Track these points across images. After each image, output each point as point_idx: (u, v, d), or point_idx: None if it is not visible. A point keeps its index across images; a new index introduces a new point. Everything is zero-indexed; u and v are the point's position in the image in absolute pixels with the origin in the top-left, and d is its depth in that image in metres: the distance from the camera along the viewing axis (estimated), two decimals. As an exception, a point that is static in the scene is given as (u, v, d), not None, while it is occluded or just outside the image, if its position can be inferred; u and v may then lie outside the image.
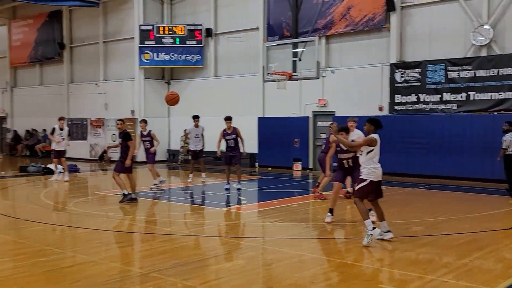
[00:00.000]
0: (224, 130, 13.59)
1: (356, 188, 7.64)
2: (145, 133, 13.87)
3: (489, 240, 7.91)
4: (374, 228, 7.39)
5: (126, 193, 11.22)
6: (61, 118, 16.50)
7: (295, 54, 15.56)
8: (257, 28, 20.76)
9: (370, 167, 7.49)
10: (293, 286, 5.59)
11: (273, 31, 20.08)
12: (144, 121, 14.24)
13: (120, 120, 11.96)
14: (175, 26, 22.50)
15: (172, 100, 12.17)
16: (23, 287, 5.55)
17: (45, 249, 7.24)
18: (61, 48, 26.22)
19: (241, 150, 13.75)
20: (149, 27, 22.39)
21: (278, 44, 16.78)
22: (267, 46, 16.27)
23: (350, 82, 18.55)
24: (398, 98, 17.33)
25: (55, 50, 26.60)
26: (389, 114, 17.51)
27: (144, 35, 22.38)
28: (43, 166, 18.51)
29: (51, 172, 17.80)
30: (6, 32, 29.25)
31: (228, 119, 13.61)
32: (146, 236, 8.39)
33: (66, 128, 16.57)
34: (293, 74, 15.48)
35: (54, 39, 26.60)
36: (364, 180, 7.48)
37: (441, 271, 6.13)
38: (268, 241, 7.97)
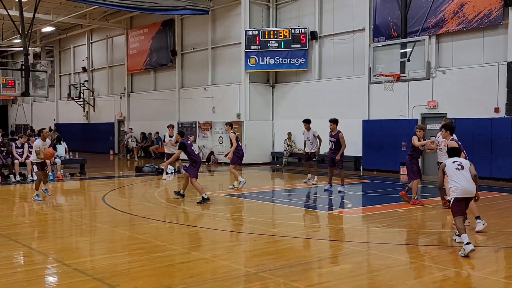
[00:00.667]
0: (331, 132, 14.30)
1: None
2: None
3: None
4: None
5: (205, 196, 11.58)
6: (169, 126, 17.60)
7: (403, 55, 15.06)
8: (363, 29, 20.41)
9: None
10: (404, 294, 5.44)
11: (379, 31, 19.62)
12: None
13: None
14: (280, 30, 22.79)
15: None
16: (140, 280, 5.92)
17: (160, 245, 7.68)
18: (173, 55, 27.63)
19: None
20: (255, 32, 22.88)
21: (385, 45, 16.36)
22: (373, 47, 15.94)
23: (462, 82, 17.60)
24: (517, 98, 16.14)
25: (168, 57, 28.09)
26: (507, 116, 16.36)
27: (250, 40, 22.91)
28: (156, 166, 19.60)
29: (163, 172, 18.85)
30: (124, 41, 31.41)
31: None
32: (253, 237, 8.58)
33: (175, 134, 17.45)
34: (401, 75, 15.01)
35: (167, 47, 28.11)
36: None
37: None
38: (376, 247, 7.80)
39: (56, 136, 23.03)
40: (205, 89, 25.93)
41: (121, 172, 20.37)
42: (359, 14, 20.59)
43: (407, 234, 8.70)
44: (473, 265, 6.50)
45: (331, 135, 14.11)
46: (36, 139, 12.93)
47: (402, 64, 14.99)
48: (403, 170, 18.95)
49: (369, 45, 16.92)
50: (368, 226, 9.68)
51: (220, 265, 6.62)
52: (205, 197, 11.55)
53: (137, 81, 31.35)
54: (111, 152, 32.17)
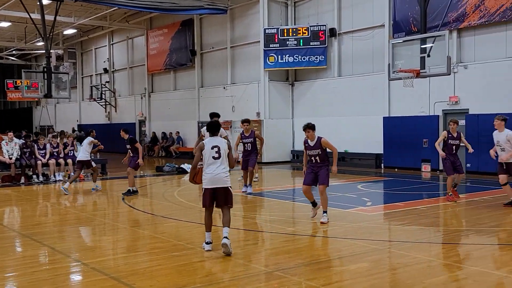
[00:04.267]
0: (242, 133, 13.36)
1: None
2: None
3: None
4: None
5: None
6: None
7: (423, 50, 14.84)
8: (383, 25, 20.19)
9: None
10: (421, 293, 5.35)
11: (399, 27, 19.39)
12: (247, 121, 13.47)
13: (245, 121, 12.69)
14: (299, 28, 22.69)
15: None
16: (156, 280, 5.94)
17: (178, 244, 7.70)
18: (192, 54, 27.75)
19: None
20: (274, 30, 22.83)
21: (404, 41, 16.15)
22: (392, 43, 15.74)
23: (485, 77, 17.29)
24: (541, 93, 15.79)
25: (187, 57, 28.23)
26: (532, 111, 16.00)
27: (269, 38, 22.87)
28: (176, 166, 19.71)
29: (184, 171, 18.98)
30: (144, 41, 31.68)
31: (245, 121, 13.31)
32: (271, 235, 8.55)
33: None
34: (421, 71, 14.80)
35: (186, 46, 28.25)
36: None
37: None
38: (395, 245, 7.70)
39: (77, 135, 23.38)
40: (224, 88, 25.99)
41: (141, 172, 20.53)
42: (378, 10, 20.38)
43: (426, 232, 8.56)
44: (493, 264, 6.37)
45: (245, 137, 13.24)
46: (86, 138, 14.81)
47: (422, 60, 14.78)
48: (425, 167, 18.74)
49: (389, 41, 16.71)
50: (387, 224, 9.57)
51: (236, 263, 6.60)
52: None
53: (158, 81, 31.59)
54: (132, 152, 32.46)
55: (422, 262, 6.59)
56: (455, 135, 11.36)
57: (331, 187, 15.06)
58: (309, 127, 9.37)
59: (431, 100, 18.79)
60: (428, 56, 14.64)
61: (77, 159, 14.72)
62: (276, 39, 22.79)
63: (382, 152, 20.40)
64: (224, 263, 6.66)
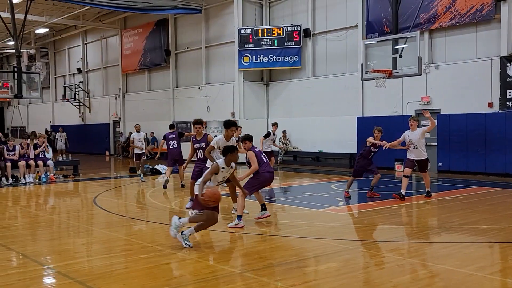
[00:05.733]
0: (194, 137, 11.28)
1: None
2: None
3: None
4: None
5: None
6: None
7: (395, 51, 15.00)
8: (356, 26, 20.35)
9: None
10: (389, 292, 5.36)
11: (372, 28, 19.56)
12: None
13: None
14: (273, 28, 22.71)
15: None
16: (122, 283, 5.84)
17: (147, 246, 7.60)
18: (167, 54, 27.55)
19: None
20: (248, 31, 22.81)
21: (377, 41, 16.29)
22: (365, 43, 15.86)
23: (455, 78, 17.55)
24: (510, 93, 16.10)
25: (162, 57, 28.01)
26: (500, 111, 16.31)
27: (244, 38, 22.83)
28: (150, 167, 19.50)
29: (158, 173, 18.82)
30: (118, 41, 31.32)
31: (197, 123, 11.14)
32: (241, 236, 8.51)
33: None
34: (393, 71, 14.94)
35: (161, 46, 28.03)
36: None
37: (557, 282, 5.57)
38: (365, 244, 7.73)
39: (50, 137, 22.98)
40: (199, 88, 25.87)
41: (115, 173, 20.30)
42: (352, 10, 20.53)
43: (397, 231, 8.63)
44: (460, 261, 6.44)
45: (197, 141, 11.10)
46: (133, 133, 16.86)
47: (394, 60, 14.93)
48: (398, 167, 18.92)
49: (362, 41, 16.83)
50: (359, 223, 9.61)
51: (205, 265, 6.54)
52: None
53: (132, 82, 31.27)
54: (107, 153, 32.09)
55: (392, 261, 6.62)
56: (377, 144, 11.79)
57: (305, 186, 15.16)
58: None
59: (404, 100, 19.00)
60: (400, 56, 14.80)
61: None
62: (250, 39, 22.77)
63: (356, 152, 20.50)
64: (193, 264, 6.60)
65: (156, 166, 19.48)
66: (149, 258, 6.90)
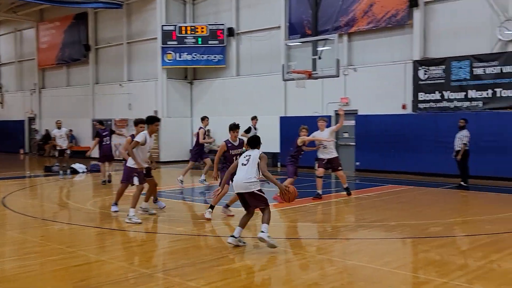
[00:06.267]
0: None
1: None
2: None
3: (510, 241, 7.60)
4: None
5: None
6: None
7: (315, 53, 15.37)
8: (279, 27, 20.62)
9: None
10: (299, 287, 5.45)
11: (294, 29, 19.90)
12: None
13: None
14: (197, 26, 22.54)
15: None
16: (29, 285, 5.55)
17: (57, 248, 7.27)
18: (86, 49, 26.60)
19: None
20: (171, 28, 22.49)
21: (298, 43, 16.62)
22: (287, 44, 16.13)
23: (372, 80, 18.24)
24: (421, 96, 16.96)
25: (81, 52, 27.00)
26: (413, 113, 17.14)
27: (167, 35, 22.49)
28: (65, 165, 18.73)
29: (75, 172, 18.13)
30: (34, 34, 29.84)
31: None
32: (157, 236, 8.36)
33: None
34: (313, 72, 15.29)
35: (80, 41, 27.01)
36: None
37: (455, 273, 5.91)
38: (279, 242, 7.82)
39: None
40: (120, 85, 25.21)
41: (28, 172, 19.33)
42: (275, 11, 20.78)
43: (312, 229, 8.82)
44: (369, 257, 6.67)
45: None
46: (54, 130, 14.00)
47: (314, 62, 15.29)
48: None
49: (284, 42, 17.10)
50: (276, 221, 9.71)
51: (117, 266, 6.35)
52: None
53: (49, 77, 29.92)
54: (21, 151, 30.51)
55: (303, 258, 6.75)
56: (306, 143, 11.90)
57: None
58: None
59: (324, 100, 19.48)
60: (320, 58, 15.18)
61: None
62: (174, 37, 22.47)
63: (279, 151, 20.82)
64: (104, 266, 6.39)
65: (73, 165, 18.71)
66: (58, 260, 6.61)
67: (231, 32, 22.26)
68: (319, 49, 15.33)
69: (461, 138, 13.55)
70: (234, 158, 9.26)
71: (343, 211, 10.92)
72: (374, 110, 17.98)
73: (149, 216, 9.67)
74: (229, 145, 9.41)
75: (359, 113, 18.49)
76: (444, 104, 16.47)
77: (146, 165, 9.64)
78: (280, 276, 6.04)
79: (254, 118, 16.73)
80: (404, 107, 17.45)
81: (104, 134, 15.11)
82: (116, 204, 9.87)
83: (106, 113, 25.77)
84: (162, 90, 23.15)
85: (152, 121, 9.46)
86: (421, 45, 16.97)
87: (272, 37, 21.11)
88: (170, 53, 22.60)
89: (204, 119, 14.79)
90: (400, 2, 17.23)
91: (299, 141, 11.46)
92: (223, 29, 22.29)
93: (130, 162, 9.18)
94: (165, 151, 22.69)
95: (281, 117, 20.68)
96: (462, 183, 13.61)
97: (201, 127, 14.52)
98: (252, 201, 7.09)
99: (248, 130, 16.46)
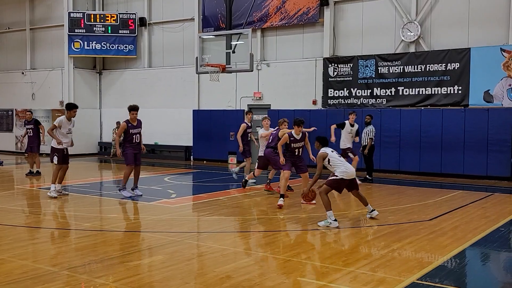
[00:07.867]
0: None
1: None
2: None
3: (410, 231, 8.08)
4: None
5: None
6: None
7: (229, 46, 15.35)
8: (193, 19, 20.42)
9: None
10: (211, 281, 5.44)
11: (208, 22, 19.80)
12: None
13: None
14: (107, 14, 21.76)
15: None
16: None
17: (-51, 247, 6.73)
18: (-16, 34, 24.79)
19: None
20: (79, 15, 21.53)
21: (213, 36, 16.52)
22: (201, 37, 15.98)
23: (285, 75, 18.60)
24: (331, 92, 17.55)
25: (-22, 36, 25.12)
26: (322, 108, 17.70)
27: (74, 23, 21.50)
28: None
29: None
30: None
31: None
32: (64, 232, 7.99)
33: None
34: (227, 66, 15.27)
35: (-23, 25, 25.11)
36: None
37: (360, 262, 6.18)
38: (192, 236, 7.79)
39: None
40: (23, 73, 23.79)
41: None
42: (188, 3, 20.56)
43: (224, 222, 8.84)
44: (280, 249, 6.81)
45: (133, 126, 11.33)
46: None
47: (228, 56, 15.25)
48: (231, 159, 19.50)
49: (198, 35, 16.92)
50: (189, 215, 9.66)
51: (18, 265, 5.99)
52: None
53: None
54: None
55: (216, 251, 6.75)
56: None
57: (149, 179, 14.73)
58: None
59: (238, 95, 19.60)
60: (233, 52, 15.16)
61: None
62: (82, 24, 21.53)
63: (191, 144, 20.68)
64: (5, 265, 6.00)
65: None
66: (-50, 261, 6.11)
67: (142, 22, 21.72)
68: (233, 43, 15.32)
69: (367, 133, 14.18)
70: (296, 150, 10.47)
71: (256, 204, 11.01)
72: (286, 105, 18.34)
73: (55, 211, 9.23)
74: (291, 138, 10.34)
75: (272, 108, 18.79)
76: (352, 100, 17.16)
77: (66, 146, 11.09)
78: (193, 270, 6.01)
79: (249, 112, 14.46)
80: (314, 102, 17.98)
81: (28, 127, 15.27)
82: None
83: (7, 103, 24.20)
84: (69, 79, 22.13)
85: (70, 108, 11.09)
86: (331, 43, 17.54)
87: (186, 29, 20.87)
88: (77, 41, 21.63)
89: (247, 113, 13.89)
90: (312, 0, 17.69)
91: (280, 133, 11.13)
92: (134, 19, 21.69)
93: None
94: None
95: (194, 111, 20.53)
96: (367, 176, 14.26)
97: (244, 122, 13.70)
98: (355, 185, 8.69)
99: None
